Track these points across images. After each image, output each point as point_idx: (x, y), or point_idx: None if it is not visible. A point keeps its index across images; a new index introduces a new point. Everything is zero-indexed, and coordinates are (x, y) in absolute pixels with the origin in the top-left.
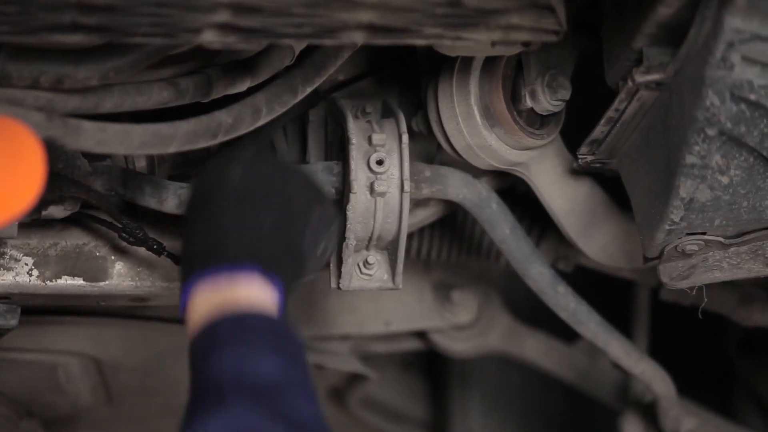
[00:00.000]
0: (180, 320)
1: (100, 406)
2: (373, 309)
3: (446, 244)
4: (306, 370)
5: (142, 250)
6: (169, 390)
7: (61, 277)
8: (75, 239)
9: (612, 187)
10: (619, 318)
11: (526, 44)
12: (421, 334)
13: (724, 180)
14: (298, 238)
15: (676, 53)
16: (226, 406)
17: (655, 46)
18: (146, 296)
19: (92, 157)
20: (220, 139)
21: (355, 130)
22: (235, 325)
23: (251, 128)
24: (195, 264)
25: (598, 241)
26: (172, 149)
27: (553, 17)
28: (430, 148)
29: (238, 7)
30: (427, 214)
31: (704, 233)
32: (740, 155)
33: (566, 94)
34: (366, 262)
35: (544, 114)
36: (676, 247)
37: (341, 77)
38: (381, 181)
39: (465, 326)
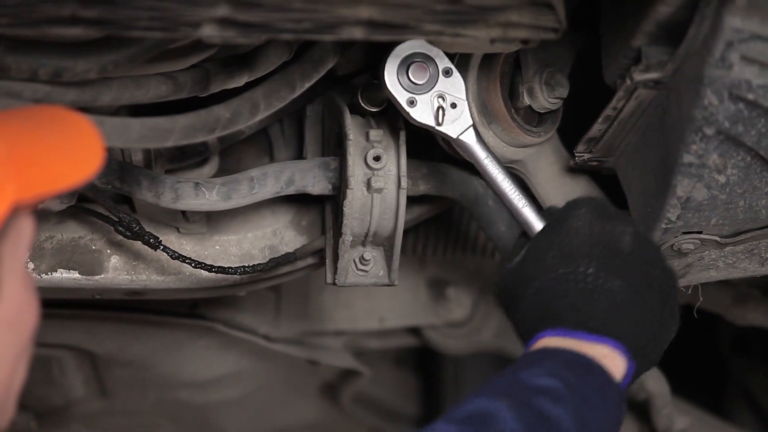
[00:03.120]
0: (175, 313)
1: (93, 399)
2: (368, 305)
3: (442, 240)
4: None
5: (137, 244)
6: (162, 384)
7: (56, 270)
8: (71, 232)
9: (609, 186)
10: None
11: (525, 42)
12: (415, 331)
13: (721, 179)
14: (669, 329)
15: (675, 52)
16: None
17: (654, 45)
18: (141, 290)
19: None
20: (218, 133)
21: (352, 126)
22: (569, 358)
23: (249, 123)
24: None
25: None
26: (170, 143)
27: (553, 15)
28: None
29: (237, 1)
30: (423, 211)
31: (700, 232)
32: (737, 155)
33: (564, 91)
34: (362, 259)
35: (542, 112)
36: (672, 245)
37: (339, 72)
38: (378, 178)
39: (459, 323)
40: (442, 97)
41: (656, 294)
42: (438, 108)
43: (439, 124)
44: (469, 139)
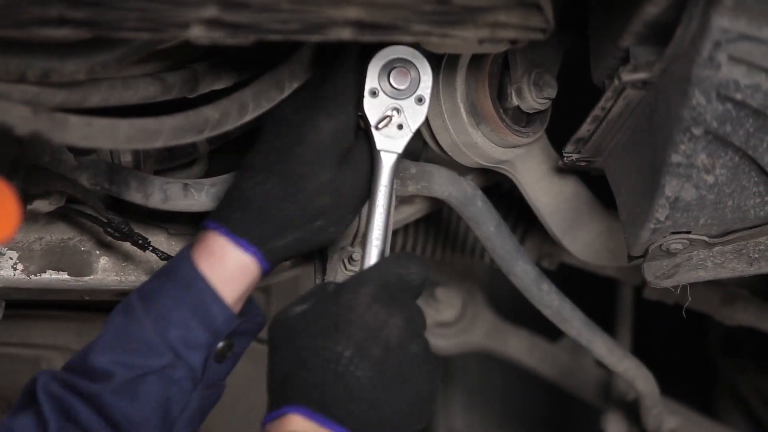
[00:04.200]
0: None
1: None
2: None
3: (431, 241)
4: None
5: (127, 245)
6: None
7: (45, 272)
8: (60, 233)
9: (597, 186)
10: (602, 316)
11: (513, 42)
12: None
13: (710, 179)
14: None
15: (663, 52)
16: None
17: (642, 45)
18: (130, 291)
19: (78, 152)
20: (207, 134)
21: None
22: None
23: (237, 123)
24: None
25: (582, 239)
26: (159, 144)
27: (541, 15)
28: (415, 145)
29: (225, 2)
30: (412, 211)
31: (689, 232)
32: (726, 154)
33: (552, 92)
34: (351, 259)
35: (530, 112)
36: (660, 245)
37: None
38: None
39: (449, 323)
40: (397, 111)
41: (407, 394)
42: (386, 116)
43: (376, 128)
44: (387, 161)
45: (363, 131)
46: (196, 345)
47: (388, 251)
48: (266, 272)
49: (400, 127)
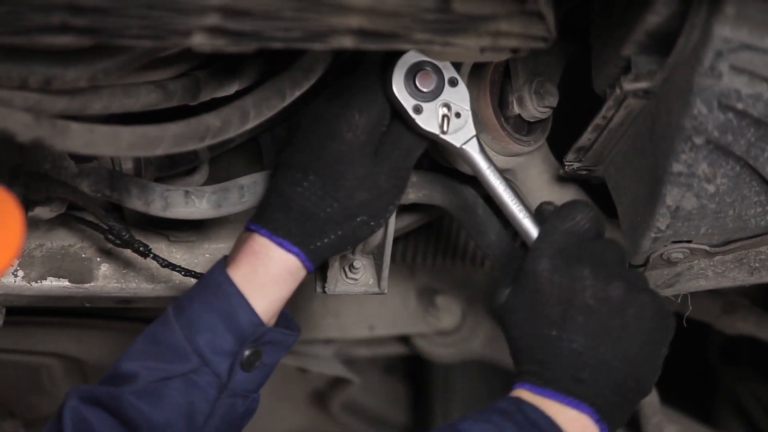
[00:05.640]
0: None
1: None
2: (357, 313)
3: (431, 249)
4: None
5: (127, 252)
6: None
7: (46, 278)
8: (61, 240)
9: (598, 195)
10: None
11: (514, 51)
12: (404, 339)
13: (711, 188)
14: (644, 385)
15: (665, 61)
16: None
17: (644, 54)
18: (131, 298)
19: (79, 159)
20: (208, 142)
21: None
22: (525, 419)
23: (239, 131)
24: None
25: None
26: (160, 151)
27: (542, 24)
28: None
29: (227, 10)
30: (413, 220)
31: (690, 241)
32: (727, 164)
33: (553, 100)
34: (351, 267)
35: (532, 120)
36: (661, 254)
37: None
38: None
39: (448, 331)
40: (447, 106)
41: (629, 344)
42: (443, 116)
43: (444, 133)
44: (473, 148)
45: (393, 119)
46: (222, 350)
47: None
48: (311, 272)
49: (458, 115)
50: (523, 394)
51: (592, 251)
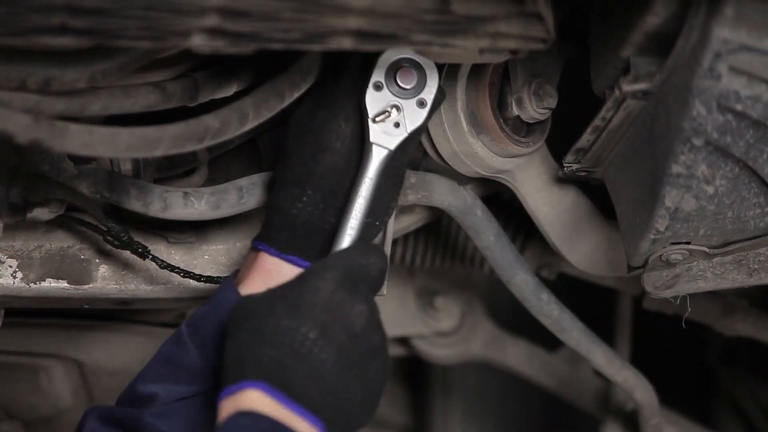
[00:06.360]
0: (163, 323)
1: (82, 409)
2: None
3: (430, 250)
4: None
5: (126, 254)
6: None
7: (45, 280)
8: (60, 242)
9: (597, 196)
10: (601, 326)
11: (514, 52)
12: (403, 340)
13: (710, 190)
14: (361, 422)
15: (664, 63)
16: None
17: (643, 56)
18: (130, 299)
19: (78, 160)
20: (207, 143)
21: None
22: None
23: (238, 132)
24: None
25: (582, 249)
26: (159, 153)
27: (542, 25)
28: (415, 155)
29: (226, 11)
30: (411, 221)
31: (689, 243)
32: (726, 165)
33: (552, 102)
34: None
35: (530, 122)
36: (660, 256)
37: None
38: None
39: (447, 332)
40: (397, 108)
41: (365, 384)
42: (385, 111)
43: (373, 120)
44: (377, 155)
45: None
46: None
47: None
48: None
49: (396, 125)
50: (255, 396)
51: (371, 296)
